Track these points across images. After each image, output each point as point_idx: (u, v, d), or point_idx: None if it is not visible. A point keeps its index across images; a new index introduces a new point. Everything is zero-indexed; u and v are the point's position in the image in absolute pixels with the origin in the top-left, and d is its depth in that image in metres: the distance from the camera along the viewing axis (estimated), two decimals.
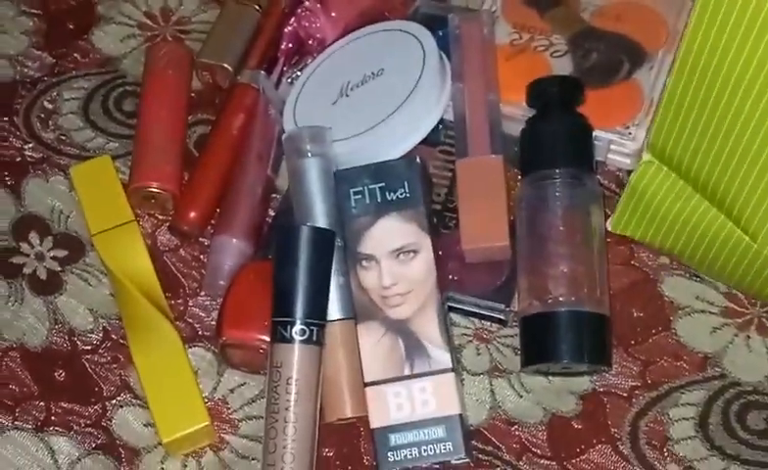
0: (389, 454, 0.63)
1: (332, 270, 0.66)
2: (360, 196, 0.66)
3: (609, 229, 0.73)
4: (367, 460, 0.66)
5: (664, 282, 0.72)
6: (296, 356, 0.63)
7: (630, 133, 0.74)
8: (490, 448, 0.67)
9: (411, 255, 0.65)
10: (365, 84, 0.74)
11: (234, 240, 0.72)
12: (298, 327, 0.63)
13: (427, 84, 0.72)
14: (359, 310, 0.65)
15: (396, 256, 0.65)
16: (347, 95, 0.75)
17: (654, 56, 0.77)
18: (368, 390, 0.64)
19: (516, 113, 0.74)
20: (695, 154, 0.64)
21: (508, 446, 0.67)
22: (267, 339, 0.65)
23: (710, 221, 0.66)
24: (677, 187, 0.68)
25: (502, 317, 0.70)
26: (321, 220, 0.68)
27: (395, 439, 0.63)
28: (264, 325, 0.65)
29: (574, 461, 0.66)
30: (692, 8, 0.60)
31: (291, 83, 0.78)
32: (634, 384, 0.68)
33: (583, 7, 0.80)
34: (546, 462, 0.66)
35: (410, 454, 0.63)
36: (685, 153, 0.65)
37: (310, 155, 0.69)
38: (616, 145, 0.74)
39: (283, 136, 0.72)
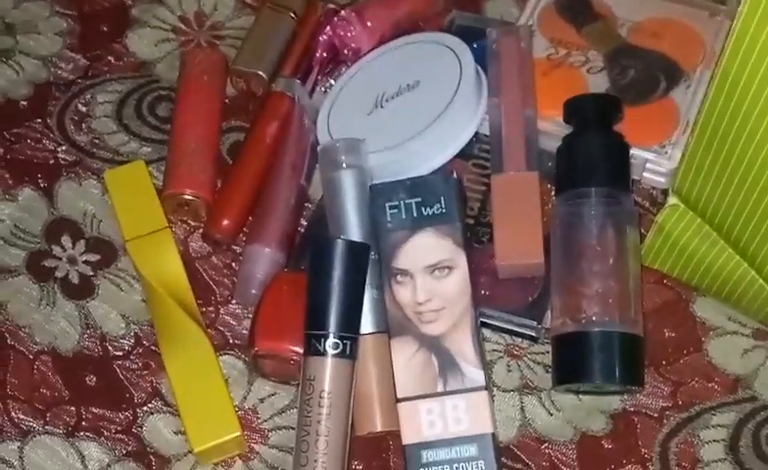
0: None
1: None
2: (395, 210, 0.66)
3: None
4: None
5: (696, 302, 0.72)
6: (329, 370, 0.63)
7: (666, 152, 0.74)
8: (519, 466, 0.67)
9: (446, 271, 0.65)
10: (401, 96, 0.74)
11: (267, 249, 0.72)
12: (331, 341, 0.63)
13: (463, 98, 0.72)
14: (392, 326, 0.65)
15: (431, 271, 0.65)
16: (382, 106, 0.75)
17: (692, 74, 0.77)
18: (401, 406, 0.64)
19: (552, 128, 0.74)
20: (718, 202, 0.65)
21: (538, 463, 0.67)
22: (300, 350, 0.65)
23: (732, 265, 0.67)
24: (701, 230, 0.68)
25: (533, 334, 0.70)
26: (355, 233, 0.68)
27: (427, 455, 0.63)
28: (297, 336, 0.65)
29: None
30: (718, 58, 0.60)
31: (325, 92, 0.78)
32: (665, 404, 0.68)
33: (620, 23, 0.80)
34: None
35: None
36: (709, 201, 0.65)
37: (345, 166, 0.69)
38: (652, 163, 0.74)
39: (318, 148, 0.72)
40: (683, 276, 0.71)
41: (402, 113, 0.73)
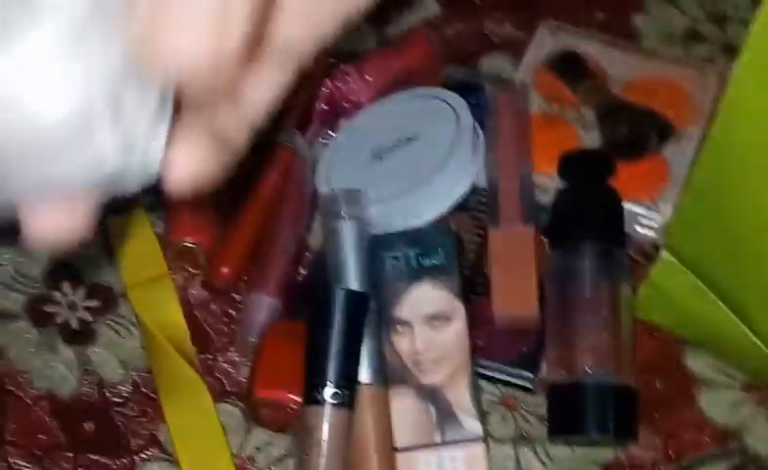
0: None
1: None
2: (395, 261, 0.67)
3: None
4: None
5: (687, 356, 0.73)
6: (328, 419, 0.63)
7: (657, 207, 0.75)
8: None
9: (445, 321, 0.66)
10: (399, 149, 0.76)
11: (268, 298, 0.72)
12: (331, 390, 0.63)
13: (460, 152, 0.73)
14: (391, 374, 0.66)
15: (429, 322, 0.66)
16: (380, 158, 0.76)
17: (683, 131, 0.78)
18: (400, 455, 0.64)
19: (546, 182, 0.75)
20: (711, 260, 0.66)
21: None
22: (298, 398, 0.66)
23: (724, 322, 0.68)
24: (694, 287, 0.68)
25: (528, 386, 0.71)
26: (355, 282, 0.68)
27: None
28: (295, 385, 0.66)
29: None
30: (711, 119, 0.61)
31: (325, 144, 0.79)
32: (656, 456, 0.69)
33: (613, 81, 0.81)
34: None
35: None
36: (700, 257, 0.67)
37: (345, 217, 0.70)
38: (643, 218, 0.76)
39: (320, 198, 0.73)
40: (675, 328, 0.72)
41: (400, 165, 0.74)
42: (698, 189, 0.64)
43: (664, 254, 0.69)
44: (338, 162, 0.77)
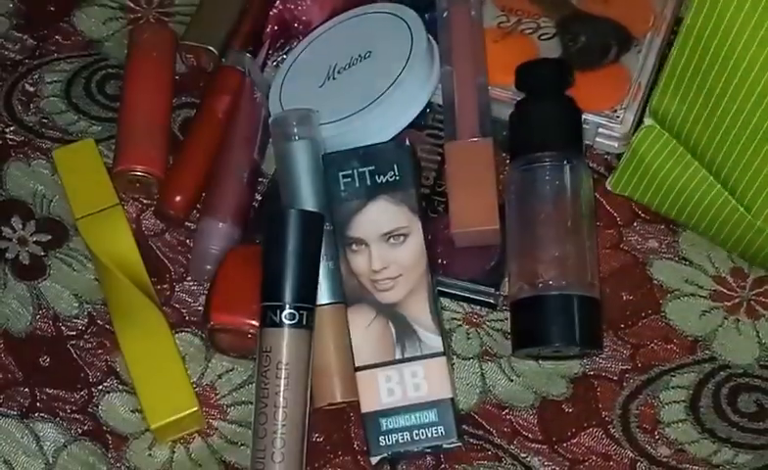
0: (380, 439, 0.63)
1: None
2: (349, 179, 0.66)
3: (609, 188, 0.73)
4: (358, 445, 0.66)
5: (653, 266, 0.72)
6: (286, 341, 0.62)
7: (618, 117, 0.74)
8: (481, 433, 0.66)
9: (402, 238, 0.65)
10: (353, 67, 0.74)
11: (221, 224, 0.71)
12: (287, 311, 0.62)
13: (415, 67, 0.72)
14: (348, 295, 0.64)
15: (386, 239, 0.65)
16: (334, 78, 0.74)
17: (641, 39, 0.77)
18: (359, 374, 0.63)
19: (505, 95, 0.74)
20: (694, 123, 0.65)
21: (499, 429, 0.66)
22: (256, 323, 0.64)
23: (707, 189, 0.67)
24: (676, 153, 0.68)
25: (492, 301, 0.70)
26: (309, 204, 0.67)
27: (386, 423, 0.63)
28: (253, 309, 0.65)
29: (565, 445, 0.66)
30: None
31: (276, 66, 0.77)
32: (624, 367, 0.68)
33: None
34: (537, 446, 0.66)
35: (402, 439, 0.62)
36: (685, 121, 0.65)
37: (296, 138, 0.68)
38: (604, 128, 0.74)
39: (270, 120, 0.71)
40: (653, 203, 0.71)
41: (354, 84, 0.73)
42: (686, 46, 0.63)
43: (647, 119, 0.68)
44: (291, 83, 0.75)
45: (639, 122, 0.72)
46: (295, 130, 0.68)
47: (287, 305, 0.62)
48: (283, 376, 0.62)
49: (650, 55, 0.76)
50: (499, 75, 0.74)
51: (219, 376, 0.69)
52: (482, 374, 0.68)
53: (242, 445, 0.66)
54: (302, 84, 0.75)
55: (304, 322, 0.63)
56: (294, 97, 0.74)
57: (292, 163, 0.68)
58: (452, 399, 0.63)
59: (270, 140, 0.73)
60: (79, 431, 0.67)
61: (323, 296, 0.66)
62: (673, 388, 0.67)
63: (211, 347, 0.69)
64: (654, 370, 0.68)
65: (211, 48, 0.79)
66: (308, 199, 0.67)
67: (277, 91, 0.75)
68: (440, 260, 0.70)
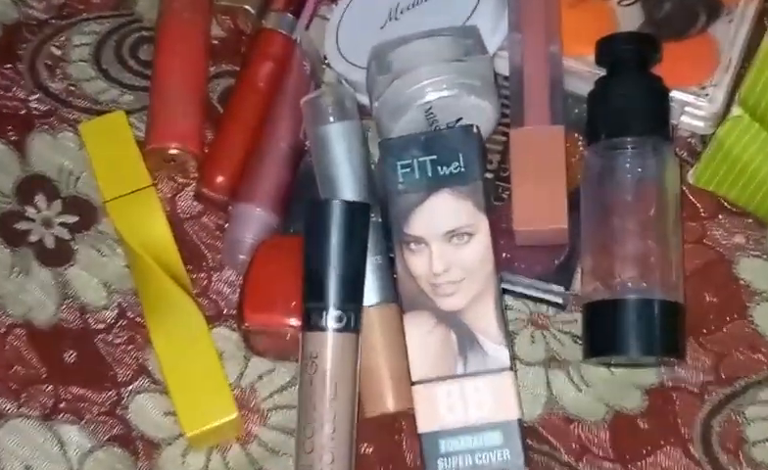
0: (439, 462, 0.58)
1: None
2: (408, 169, 0.61)
3: (692, 182, 0.69)
4: (410, 459, 0.62)
5: (739, 264, 0.67)
6: (332, 346, 0.58)
7: (707, 94, 0.68)
8: (546, 448, 0.62)
9: (466, 238, 0.60)
10: (417, 6, 0.70)
11: (258, 209, 0.66)
12: (333, 313, 0.58)
13: (485, 11, 0.67)
14: (405, 299, 0.60)
15: (448, 239, 0.60)
16: (396, 18, 0.70)
17: (734, 8, 0.71)
18: (416, 389, 0.59)
19: (579, 68, 0.69)
20: None
21: (567, 445, 0.62)
22: (296, 323, 0.60)
23: None
24: (767, 146, 0.64)
25: (560, 302, 0.65)
26: (349, 192, 0.62)
27: (445, 445, 0.58)
28: (291, 307, 0.60)
29: (639, 464, 0.62)
30: None
31: (329, 15, 0.73)
32: (706, 379, 0.64)
33: None
34: (608, 465, 0.62)
35: (463, 463, 0.58)
36: None
37: (332, 120, 0.63)
38: (691, 107, 0.69)
39: (301, 101, 0.65)
40: (739, 198, 0.68)
41: (419, 26, 0.67)
42: None
43: (736, 109, 0.64)
44: (348, 26, 0.71)
45: (729, 103, 0.67)
46: (330, 111, 0.63)
47: (332, 307, 0.58)
48: (330, 385, 0.58)
49: (743, 25, 0.70)
50: (573, 45, 0.68)
51: (260, 377, 0.65)
52: (547, 382, 0.64)
53: (283, 454, 0.62)
54: (361, 27, 0.71)
55: (351, 325, 0.58)
56: (352, 42, 0.70)
57: (327, 148, 0.63)
58: (519, 420, 0.58)
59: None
60: (107, 436, 0.64)
61: (371, 295, 0.61)
62: (760, 403, 0.63)
63: (247, 348, 0.65)
64: (740, 382, 0.64)
65: (247, 6, 0.74)
66: (346, 187, 0.62)
67: (333, 35, 0.71)
68: (503, 254, 0.64)
